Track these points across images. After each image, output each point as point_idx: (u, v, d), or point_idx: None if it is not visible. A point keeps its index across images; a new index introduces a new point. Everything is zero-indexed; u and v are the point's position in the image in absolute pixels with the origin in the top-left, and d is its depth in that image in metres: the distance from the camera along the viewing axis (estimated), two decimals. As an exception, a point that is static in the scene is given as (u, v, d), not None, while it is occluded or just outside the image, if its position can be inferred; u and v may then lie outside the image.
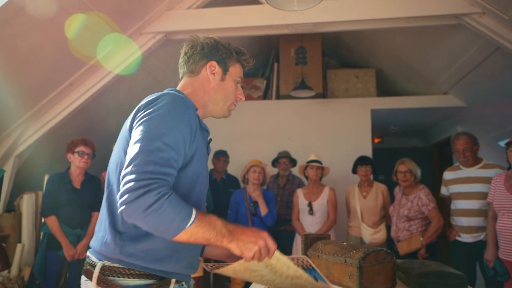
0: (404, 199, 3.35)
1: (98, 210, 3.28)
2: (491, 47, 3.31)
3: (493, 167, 3.15)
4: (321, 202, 3.63)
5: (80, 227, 3.00)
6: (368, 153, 4.59)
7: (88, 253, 1.13)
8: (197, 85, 1.24)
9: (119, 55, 3.60)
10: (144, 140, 1.00)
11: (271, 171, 4.26)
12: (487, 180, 3.03)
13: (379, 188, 3.67)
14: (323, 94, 5.04)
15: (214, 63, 1.23)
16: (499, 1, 2.88)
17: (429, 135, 6.55)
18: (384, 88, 5.41)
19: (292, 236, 3.82)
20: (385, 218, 3.65)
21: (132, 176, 0.95)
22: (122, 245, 1.04)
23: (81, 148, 3.03)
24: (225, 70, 1.25)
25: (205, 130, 1.20)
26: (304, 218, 3.65)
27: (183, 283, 1.15)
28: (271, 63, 5.29)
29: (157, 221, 0.93)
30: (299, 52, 5.03)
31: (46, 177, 3.54)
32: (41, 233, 3.08)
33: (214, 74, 1.24)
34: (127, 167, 0.97)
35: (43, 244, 2.95)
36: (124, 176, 0.97)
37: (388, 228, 3.56)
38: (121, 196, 0.94)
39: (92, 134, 3.90)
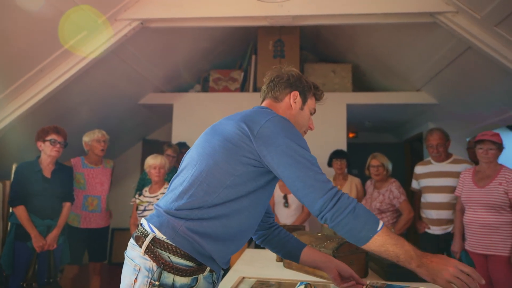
0: (376, 192, 3.42)
1: (69, 200, 3.21)
2: (463, 45, 3.41)
3: (462, 162, 3.26)
4: (296, 195, 3.66)
5: (51, 218, 2.91)
6: (343, 147, 4.66)
7: (142, 220, 1.23)
8: (281, 110, 1.37)
9: (94, 41, 3.50)
10: (302, 164, 1.15)
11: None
12: (457, 175, 3.14)
13: (353, 182, 3.73)
14: (300, 88, 5.05)
15: (297, 93, 1.38)
16: (472, 1, 2.97)
17: (402, 131, 6.71)
18: (360, 84, 5.49)
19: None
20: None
21: (314, 196, 1.10)
22: (190, 219, 1.15)
23: (52, 137, 2.93)
24: (304, 101, 1.40)
25: None
26: (279, 210, 3.69)
27: (214, 273, 1.26)
28: (249, 55, 5.26)
29: (353, 222, 1.07)
30: (277, 45, 5.03)
31: (14, 166, 3.42)
32: (9, 224, 2.98)
33: (296, 103, 1.37)
34: (297, 190, 1.13)
35: (11, 235, 2.85)
36: (303, 198, 1.13)
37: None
38: (319, 214, 1.10)
39: (64, 122, 3.78)
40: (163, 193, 3.26)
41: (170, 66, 4.87)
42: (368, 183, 3.64)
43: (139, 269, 1.13)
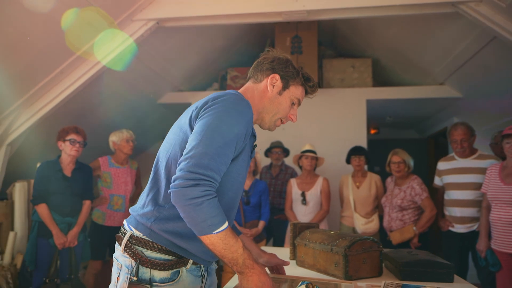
0: (397, 189, 3.33)
1: (89, 198, 3.28)
2: (487, 36, 3.27)
3: (488, 157, 3.13)
4: (314, 192, 3.62)
5: (71, 216, 2.98)
6: (363, 143, 4.57)
7: (124, 221, 1.25)
8: (257, 92, 1.32)
9: (112, 42, 3.55)
10: (206, 133, 1.10)
11: (264, 161, 4.25)
12: (482, 171, 3.02)
13: (373, 179, 3.65)
14: (319, 84, 4.97)
15: (277, 76, 1.31)
16: (495, -11, 2.84)
17: (425, 126, 6.52)
18: (380, 79, 5.37)
19: (286, 225, 3.82)
20: (378, 208, 3.64)
21: (189, 165, 1.05)
22: (156, 218, 1.16)
23: (72, 136, 3.00)
24: (285, 86, 1.33)
25: (253, 136, 1.29)
26: (297, 207, 3.65)
27: (201, 266, 1.25)
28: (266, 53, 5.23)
29: (192, 214, 1.05)
30: (295, 41, 4.98)
31: (38, 165, 3.52)
32: (32, 221, 3.07)
33: (273, 86, 1.31)
34: (187, 153, 1.08)
35: (34, 232, 2.94)
36: (181, 162, 1.08)
37: (381, 219, 3.56)
38: (174, 180, 1.06)
39: (84, 122, 3.87)
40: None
41: (187, 65, 4.90)
42: (389, 179, 3.55)
43: (121, 267, 1.17)
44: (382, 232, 3.58)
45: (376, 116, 5.97)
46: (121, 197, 3.49)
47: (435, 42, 4.00)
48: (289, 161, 4.21)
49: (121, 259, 1.17)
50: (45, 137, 3.83)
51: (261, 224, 3.47)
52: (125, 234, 1.19)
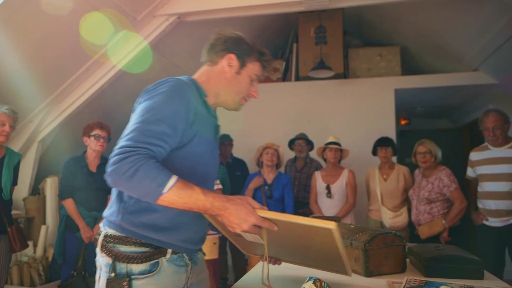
0: (424, 181, 3.20)
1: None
2: (524, 17, 3.06)
3: (524, 146, 2.95)
4: (339, 185, 3.53)
5: (96, 210, 3.04)
6: (392, 135, 4.41)
7: (100, 224, 1.23)
8: (213, 74, 1.30)
9: (134, 39, 3.59)
10: (138, 117, 1.08)
11: (289, 154, 4.19)
12: (517, 161, 2.84)
13: (401, 171, 3.52)
14: (344, 74, 4.86)
15: (233, 56, 1.29)
16: (532, -35, 2.64)
17: (459, 115, 6.24)
18: (410, 67, 5.16)
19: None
20: (407, 202, 3.51)
21: (117, 147, 1.04)
22: (124, 213, 1.14)
23: (97, 132, 3.06)
24: (242, 65, 1.30)
25: (212, 116, 1.27)
26: (322, 201, 3.58)
27: (184, 254, 1.21)
28: (290, 44, 5.15)
29: (133, 185, 1.00)
30: (319, 31, 4.86)
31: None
32: (60, 215, 3.16)
33: (230, 66, 1.29)
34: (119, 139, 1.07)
35: (62, 226, 3.03)
36: (121, 138, 1.07)
37: (410, 212, 3.43)
38: (107, 167, 1.03)
39: (111, 118, 3.94)
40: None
41: (211, 59, 4.89)
42: (417, 171, 3.42)
43: (101, 268, 1.15)
44: (412, 226, 3.45)
45: (406, 106, 5.77)
46: None
47: (466, 26, 3.79)
48: (314, 154, 4.14)
49: (100, 260, 1.16)
50: (74, 133, 3.93)
51: None
52: (100, 234, 1.19)
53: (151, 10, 3.51)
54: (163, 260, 1.15)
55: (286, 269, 1.71)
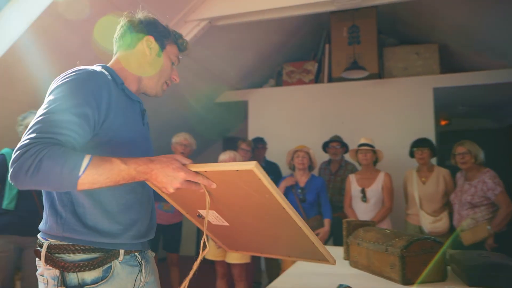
0: (467, 184, 3.03)
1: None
2: None
3: None
4: (375, 189, 3.41)
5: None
6: (431, 136, 4.23)
7: (38, 235, 1.15)
8: (132, 58, 1.23)
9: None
10: (42, 109, 0.99)
11: (323, 157, 4.11)
12: None
13: (441, 173, 3.35)
14: (379, 74, 4.73)
15: (151, 38, 1.23)
16: None
17: (504, 115, 5.89)
18: (449, 65, 4.94)
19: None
20: (449, 206, 3.34)
21: (18, 144, 0.93)
22: (64, 223, 1.06)
23: None
24: (162, 47, 1.25)
25: (136, 102, 1.22)
26: (357, 205, 3.47)
27: (136, 254, 1.17)
28: (323, 45, 5.07)
29: (44, 180, 0.89)
30: (352, 31, 4.76)
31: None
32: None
33: (150, 48, 1.23)
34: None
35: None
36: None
37: (451, 217, 3.26)
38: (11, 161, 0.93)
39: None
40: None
41: (243, 63, 4.91)
42: (458, 175, 3.24)
43: (47, 281, 1.07)
44: (453, 232, 3.27)
45: (447, 106, 5.52)
46: None
47: (509, 20, 3.57)
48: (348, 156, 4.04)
49: (46, 273, 1.07)
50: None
51: (327, 222, 3.37)
52: (41, 246, 1.09)
53: (183, 16, 3.56)
54: (116, 263, 1.10)
55: (341, 272, 1.66)
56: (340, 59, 4.80)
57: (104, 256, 1.08)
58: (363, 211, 3.39)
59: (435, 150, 3.46)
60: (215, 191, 1.06)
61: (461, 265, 1.57)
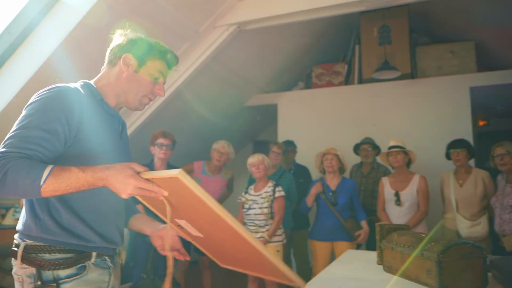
0: (509, 187, 2.89)
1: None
2: None
3: None
4: (409, 192, 3.32)
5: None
6: (468, 137, 4.07)
7: (15, 236, 1.23)
8: (113, 75, 1.30)
9: (196, 50, 3.72)
10: (16, 124, 1.10)
11: (355, 159, 4.04)
12: None
13: (479, 175, 3.22)
14: (412, 74, 4.60)
15: (129, 55, 1.29)
16: None
17: (549, 114, 5.59)
18: (487, 63, 4.74)
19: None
20: (488, 210, 3.19)
21: None
22: (42, 225, 1.14)
23: (160, 140, 3.19)
24: (140, 64, 1.29)
25: (115, 116, 1.32)
26: (390, 208, 3.38)
27: (106, 257, 1.24)
28: (352, 46, 4.99)
29: (11, 190, 1.01)
30: (383, 31, 4.66)
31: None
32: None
33: (127, 65, 1.28)
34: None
35: (133, 231, 3.18)
36: None
37: (492, 221, 3.11)
38: None
39: (176, 128, 4.10)
40: (267, 192, 3.27)
41: (272, 66, 4.92)
42: (499, 177, 3.10)
43: (22, 280, 1.14)
44: (494, 237, 3.13)
45: (485, 106, 5.29)
46: None
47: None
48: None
49: (21, 272, 1.15)
50: (145, 144, 4.16)
51: (365, 223, 3.33)
52: (18, 246, 1.17)
53: (212, 21, 3.61)
54: (89, 264, 1.18)
55: (374, 276, 1.63)
56: (370, 60, 4.72)
57: (78, 257, 1.17)
58: (397, 215, 3.30)
59: (472, 151, 3.33)
60: (174, 199, 1.10)
61: (504, 271, 1.49)
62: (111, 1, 2.78)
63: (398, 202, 3.30)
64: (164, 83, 1.37)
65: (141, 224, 1.47)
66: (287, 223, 3.74)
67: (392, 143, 3.42)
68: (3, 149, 1.04)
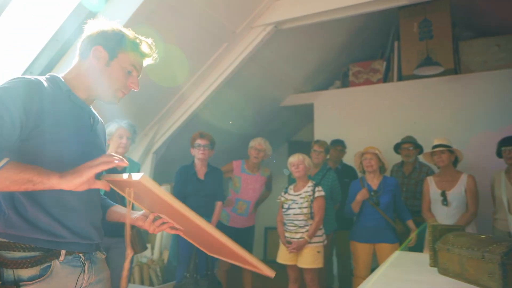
0: None
1: (221, 199, 3.45)
2: None
3: None
4: (457, 191, 3.18)
5: (205, 215, 3.18)
6: (519, 134, 3.86)
7: None
8: (83, 68, 1.27)
9: (234, 51, 3.73)
10: None
11: (395, 159, 3.93)
12: None
13: (534, 174, 3.04)
14: (455, 70, 4.42)
15: (99, 47, 1.24)
16: None
17: None
18: (537, 55, 4.49)
19: (424, 228, 3.44)
20: (544, 210, 3.01)
21: None
22: (6, 220, 1.09)
23: (198, 141, 3.23)
24: (111, 56, 1.25)
25: (85, 108, 1.28)
26: (437, 209, 3.25)
27: (80, 255, 1.18)
28: (391, 42, 4.86)
29: None
30: (423, 26, 4.51)
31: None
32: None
33: (98, 58, 1.25)
34: None
35: (176, 231, 3.23)
36: None
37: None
38: None
39: (214, 129, 4.14)
40: (307, 192, 3.24)
41: (308, 65, 4.87)
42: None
43: None
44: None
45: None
46: (246, 203, 3.62)
47: None
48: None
49: None
50: (182, 144, 4.22)
51: (411, 223, 3.25)
52: None
53: (249, 22, 3.61)
54: (56, 263, 1.12)
55: (428, 280, 1.57)
56: (410, 56, 4.58)
57: (43, 255, 1.10)
58: (444, 215, 3.17)
59: (526, 149, 3.15)
60: (147, 198, 1.15)
61: None
62: (153, 5, 2.83)
63: (445, 202, 3.18)
64: (138, 76, 1.33)
65: (120, 214, 1.40)
66: (330, 225, 3.68)
67: (436, 142, 3.30)
68: None
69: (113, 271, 2.78)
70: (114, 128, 2.80)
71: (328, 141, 4.17)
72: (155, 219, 1.28)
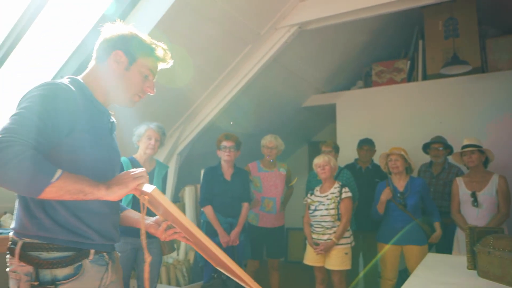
0: None
1: (247, 200, 3.46)
2: None
3: None
4: (488, 192, 3.12)
5: (232, 216, 3.21)
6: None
7: (10, 233, 1.21)
8: (101, 71, 1.28)
9: (258, 52, 3.74)
10: (13, 114, 1.06)
11: (423, 159, 3.88)
12: None
13: None
14: (482, 68, 4.33)
15: (120, 52, 1.26)
16: None
17: None
18: None
19: (450, 230, 3.38)
20: None
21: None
22: (39, 223, 1.13)
23: (223, 143, 3.25)
24: (131, 61, 1.27)
25: (105, 113, 1.30)
26: (466, 210, 3.20)
27: (104, 254, 1.24)
28: (415, 41, 4.79)
29: (17, 176, 0.96)
30: (449, 24, 4.43)
31: (202, 171, 3.92)
32: (201, 221, 3.42)
33: (118, 62, 1.26)
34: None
35: (202, 231, 3.25)
36: None
37: None
38: None
39: (238, 130, 4.16)
40: (333, 193, 3.22)
41: (329, 65, 4.85)
42: None
43: (20, 278, 1.12)
44: None
45: None
46: (271, 200, 3.62)
47: None
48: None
49: (19, 270, 1.13)
50: (207, 146, 4.26)
51: (438, 225, 3.21)
52: (15, 243, 1.15)
53: (274, 23, 3.61)
54: (86, 262, 1.17)
55: (468, 283, 1.55)
56: (435, 55, 4.51)
57: (76, 255, 1.16)
58: (474, 217, 3.11)
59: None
60: (160, 206, 1.19)
61: None
62: (178, 10, 2.86)
63: (475, 203, 3.12)
64: (154, 80, 1.35)
65: (133, 220, 1.44)
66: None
67: (466, 142, 3.24)
68: (12, 128, 1.01)
69: (142, 270, 2.82)
70: (143, 130, 2.85)
71: (354, 142, 4.14)
72: (168, 227, 1.33)
